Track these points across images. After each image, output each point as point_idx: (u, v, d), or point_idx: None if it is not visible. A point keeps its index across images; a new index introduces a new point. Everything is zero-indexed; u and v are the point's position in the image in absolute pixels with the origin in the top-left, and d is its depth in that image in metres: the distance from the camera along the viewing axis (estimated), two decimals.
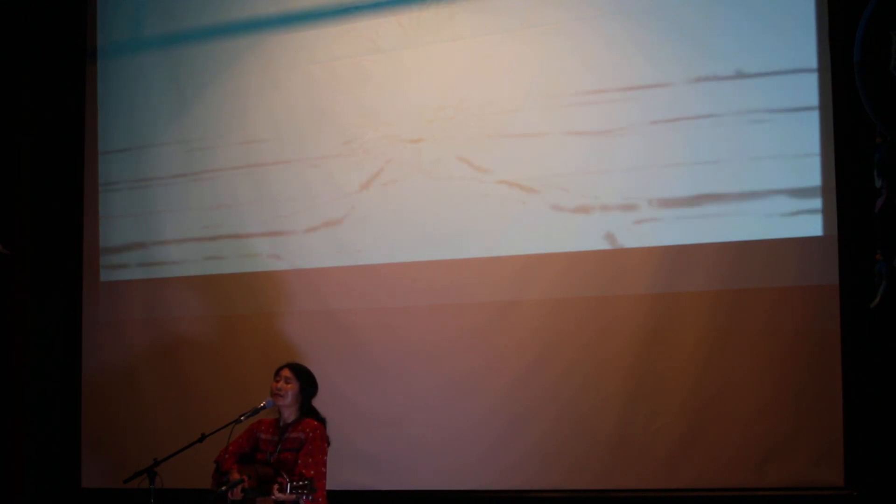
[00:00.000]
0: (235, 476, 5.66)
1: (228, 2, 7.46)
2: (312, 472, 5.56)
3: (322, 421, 5.80)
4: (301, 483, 5.39)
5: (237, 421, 5.75)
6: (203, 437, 5.74)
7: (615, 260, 6.35)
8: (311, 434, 5.67)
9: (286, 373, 5.82)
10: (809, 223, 6.01)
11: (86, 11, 7.88)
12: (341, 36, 7.10)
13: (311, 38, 7.19)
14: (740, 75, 6.14)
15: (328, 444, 5.77)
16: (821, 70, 6.00)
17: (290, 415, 5.81)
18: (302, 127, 7.17)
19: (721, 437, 6.06)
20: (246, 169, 7.30)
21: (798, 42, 6.05)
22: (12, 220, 7.56)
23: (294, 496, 5.41)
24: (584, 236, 6.43)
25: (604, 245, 6.38)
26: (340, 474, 6.11)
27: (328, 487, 5.71)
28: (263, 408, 5.79)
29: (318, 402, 5.91)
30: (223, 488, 5.62)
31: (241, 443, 5.87)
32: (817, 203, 5.99)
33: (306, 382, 5.84)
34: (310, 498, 5.44)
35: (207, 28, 7.50)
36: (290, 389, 5.78)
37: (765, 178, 6.07)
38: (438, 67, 6.84)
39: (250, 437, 5.88)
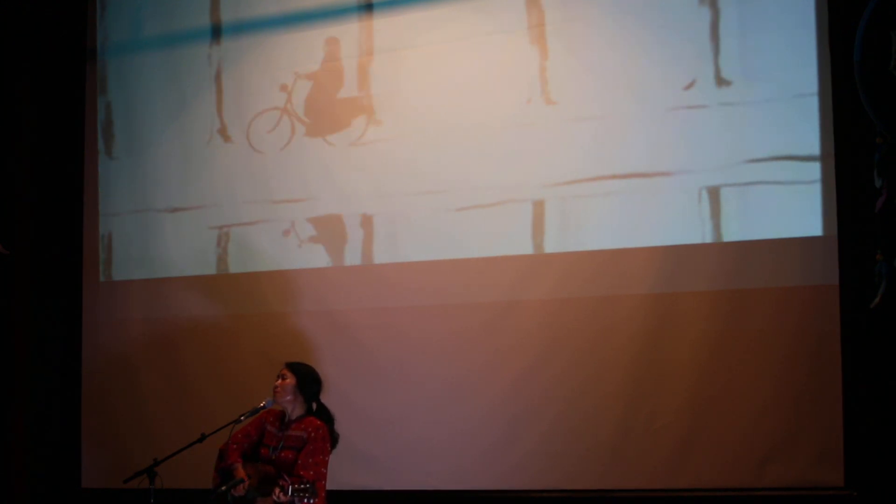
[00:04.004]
0: (240, 474, 5.66)
1: (229, 2, 7.46)
2: (312, 473, 5.56)
3: (330, 419, 5.80)
4: (303, 486, 5.39)
5: (237, 421, 5.75)
6: (203, 437, 5.73)
7: (615, 260, 6.35)
8: (312, 434, 5.67)
9: (284, 370, 5.84)
10: (809, 223, 6.01)
11: (86, 11, 7.88)
12: (341, 36, 7.10)
13: (310, 39, 7.19)
14: (740, 75, 6.14)
15: (334, 443, 5.77)
16: (821, 70, 6.00)
17: (293, 410, 5.81)
18: (302, 127, 7.17)
19: (721, 437, 6.06)
20: (245, 169, 7.30)
21: (798, 42, 6.05)
22: (12, 220, 7.56)
23: (294, 499, 5.41)
24: (584, 236, 6.43)
25: (604, 245, 6.39)
26: (340, 474, 6.11)
27: (329, 487, 5.71)
28: (263, 407, 5.79)
29: None
30: (223, 488, 5.62)
31: (249, 430, 5.87)
32: (817, 203, 6.00)
33: (305, 378, 5.83)
34: (311, 501, 5.44)
35: (207, 28, 7.50)
36: (288, 384, 5.79)
37: (765, 178, 6.07)
38: (438, 67, 6.84)
39: (258, 425, 5.89)
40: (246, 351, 7.18)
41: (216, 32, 7.45)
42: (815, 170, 6.00)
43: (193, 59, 7.51)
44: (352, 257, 6.98)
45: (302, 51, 7.21)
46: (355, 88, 7.07)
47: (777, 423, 5.96)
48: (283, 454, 5.69)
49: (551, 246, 6.51)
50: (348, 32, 7.09)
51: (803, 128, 6.02)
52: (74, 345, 7.72)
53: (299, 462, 5.61)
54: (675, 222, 6.24)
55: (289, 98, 7.23)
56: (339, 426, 5.84)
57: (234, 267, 7.30)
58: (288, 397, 5.79)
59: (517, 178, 6.59)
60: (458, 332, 6.66)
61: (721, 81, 6.18)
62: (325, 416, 5.82)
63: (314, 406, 5.83)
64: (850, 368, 5.86)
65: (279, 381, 5.81)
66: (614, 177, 6.37)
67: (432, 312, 6.74)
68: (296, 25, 7.23)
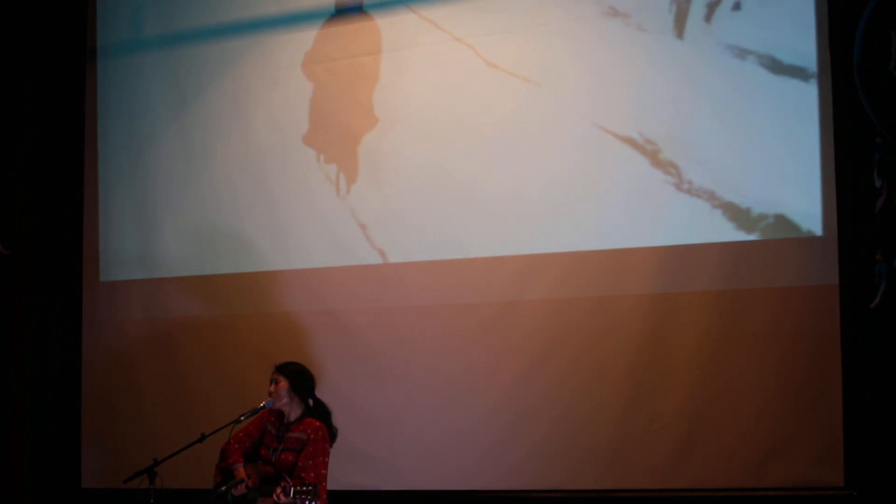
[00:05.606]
0: (240, 473, 5.67)
1: (228, 2, 7.46)
2: (313, 475, 5.56)
3: (326, 414, 5.81)
4: (305, 488, 5.40)
5: (237, 421, 5.76)
6: (203, 437, 5.74)
7: (615, 260, 6.35)
8: (312, 435, 5.68)
9: (275, 375, 5.86)
10: (809, 223, 6.01)
11: (86, 11, 7.88)
12: (341, 36, 7.11)
13: (311, 38, 7.20)
14: (740, 76, 6.14)
15: (333, 437, 5.78)
16: (821, 70, 6.00)
17: (290, 412, 5.83)
18: (301, 127, 7.18)
19: (721, 437, 6.06)
20: (246, 169, 7.30)
21: (798, 42, 6.05)
22: (12, 220, 7.56)
23: (297, 501, 5.41)
24: (585, 236, 6.43)
25: (603, 245, 6.38)
26: (340, 474, 6.11)
27: (329, 487, 5.71)
28: (263, 408, 5.81)
29: None
30: (223, 488, 5.62)
31: (250, 429, 5.89)
32: (817, 203, 6.00)
33: (297, 378, 5.84)
34: (313, 503, 5.43)
35: (207, 28, 7.50)
36: (282, 388, 5.80)
37: (765, 178, 6.07)
38: (439, 67, 6.84)
39: (259, 425, 5.91)
40: (246, 351, 7.17)
41: (215, 32, 7.44)
42: (815, 170, 5.99)
43: (193, 59, 7.51)
44: (352, 257, 6.98)
45: (303, 51, 7.21)
46: (355, 88, 7.07)
47: (777, 423, 5.96)
48: (282, 456, 5.69)
49: (551, 246, 6.51)
50: (349, 32, 7.09)
51: (804, 128, 6.02)
52: (74, 345, 7.72)
53: (299, 464, 5.62)
54: (675, 222, 6.24)
55: (289, 98, 7.23)
56: (340, 426, 5.86)
57: (234, 267, 7.30)
58: (284, 400, 5.81)
59: (517, 177, 6.59)
60: (459, 331, 6.66)
61: (722, 82, 6.17)
62: (322, 411, 5.83)
63: (311, 402, 5.84)
64: (850, 368, 5.85)
65: (272, 386, 5.83)
66: (614, 176, 6.37)
67: (432, 312, 6.74)
68: (296, 25, 7.23)
